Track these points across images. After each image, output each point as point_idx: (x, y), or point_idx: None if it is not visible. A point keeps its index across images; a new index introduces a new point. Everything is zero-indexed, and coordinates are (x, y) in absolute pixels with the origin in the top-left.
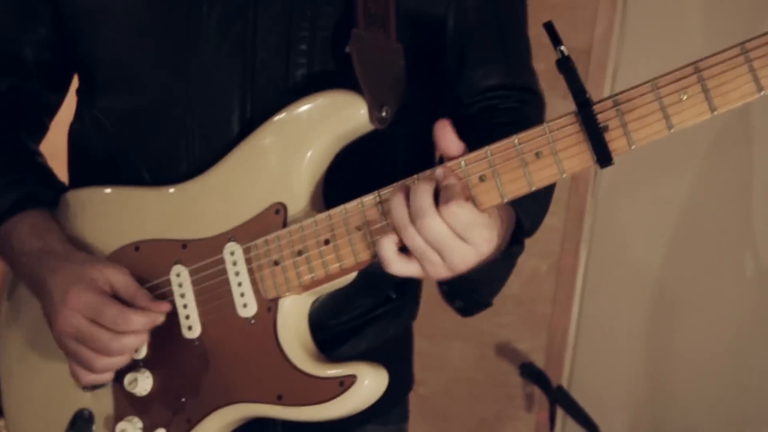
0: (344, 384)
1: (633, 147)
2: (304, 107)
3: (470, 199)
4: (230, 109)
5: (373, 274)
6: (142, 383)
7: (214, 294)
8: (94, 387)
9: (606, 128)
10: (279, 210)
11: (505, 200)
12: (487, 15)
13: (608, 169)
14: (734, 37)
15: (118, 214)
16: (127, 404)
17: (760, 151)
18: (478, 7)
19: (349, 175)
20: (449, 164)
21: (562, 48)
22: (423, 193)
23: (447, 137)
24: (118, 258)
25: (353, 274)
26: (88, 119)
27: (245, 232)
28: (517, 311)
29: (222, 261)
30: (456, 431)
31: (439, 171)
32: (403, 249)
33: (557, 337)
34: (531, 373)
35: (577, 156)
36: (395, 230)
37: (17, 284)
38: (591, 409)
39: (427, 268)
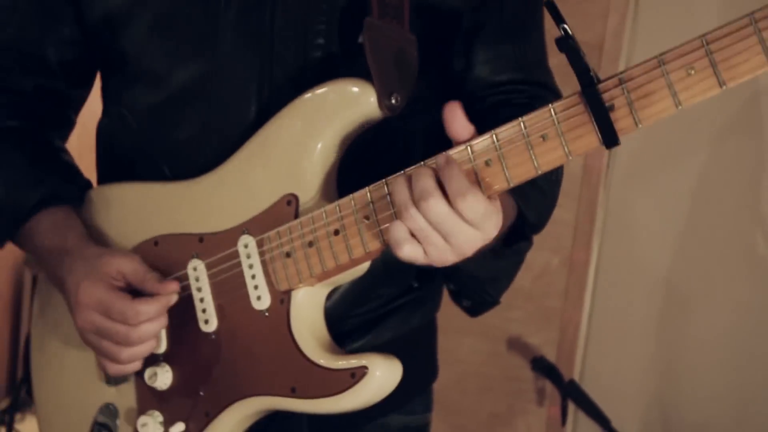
0: (356, 376)
1: (640, 126)
2: (313, 96)
3: (476, 184)
4: (248, 102)
5: (394, 264)
6: (162, 377)
7: (229, 287)
8: (118, 381)
9: (612, 107)
10: (291, 201)
11: (512, 185)
12: (498, 10)
13: (620, 163)
14: None
15: (138, 210)
16: (149, 398)
17: None
18: (483, 3)
19: (365, 170)
20: (455, 149)
21: (565, 26)
22: (425, 176)
23: (457, 120)
24: (138, 253)
25: (366, 265)
26: (114, 115)
27: (259, 224)
28: (529, 305)
29: (237, 254)
30: (467, 425)
31: (441, 158)
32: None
33: (569, 332)
34: (542, 368)
35: (583, 137)
36: (397, 213)
37: (45, 282)
38: (602, 403)
39: (430, 251)
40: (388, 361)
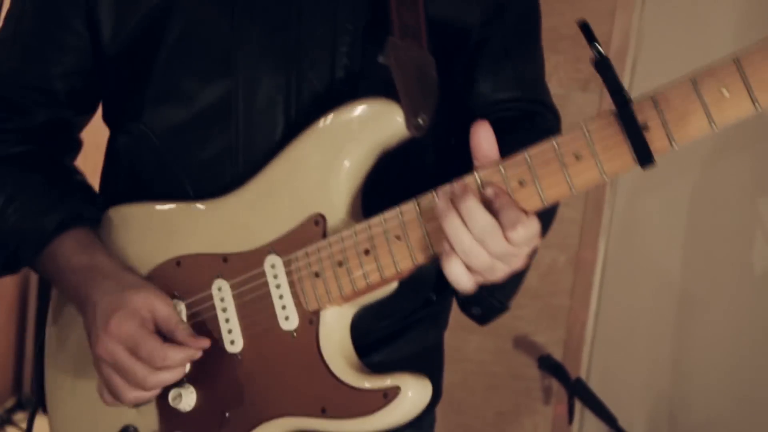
0: (388, 396)
1: (675, 146)
2: (340, 116)
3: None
4: (274, 121)
5: (412, 278)
6: (186, 399)
7: (256, 307)
8: (139, 403)
9: (646, 127)
10: (318, 221)
11: (546, 204)
12: (501, 28)
13: None
14: (758, 24)
15: (159, 230)
16: (172, 420)
17: None
18: (489, 21)
19: (382, 184)
20: (488, 169)
21: (599, 47)
22: (480, 213)
23: (487, 138)
24: (160, 273)
25: (394, 284)
26: (134, 133)
27: (285, 245)
28: (535, 304)
29: (263, 274)
30: (474, 424)
31: (489, 190)
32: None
33: (575, 330)
34: (549, 366)
35: (618, 157)
36: (461, 253)
37: (63, 302)
38: (609, 401)
39: (491, 278)
40: (420, 381)
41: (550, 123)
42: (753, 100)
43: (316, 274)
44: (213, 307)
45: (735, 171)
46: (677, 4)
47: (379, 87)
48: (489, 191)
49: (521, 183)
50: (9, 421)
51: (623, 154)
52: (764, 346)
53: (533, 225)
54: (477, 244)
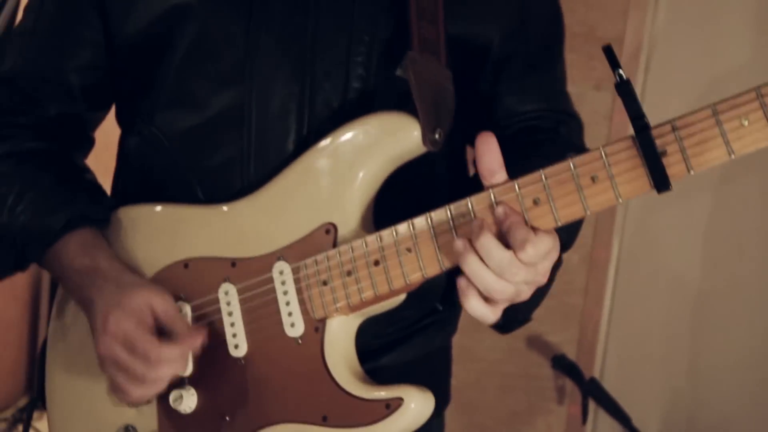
0: (390, 407)
1: (692, 173)
2: (357, 128)
3: (524, 222)
4: (287, 130)
5: (419, 288)
6: (187, 401)
7: (262, 313)
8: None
9: (664, 153)
10: (329, 230)
11: (560, 224)
12: (525, 42)
13: None
14: None
15: (168, 231)
16: (172, 422)
17: None
18: (513, 34)
19: (393, 196)
20: (503, 186)
21: (621, 72)
22: (496, 248)
23: (492, 151)
24: (167, 275)
25: (402, 296)
26: (146, 135)
27: (295, 252)
28: (549, 303)
29: (271, 280)
30: (487, 424)
31: (499, 210)
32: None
33: (589, 329)
34: (563, 366)
35: (634, 181)
36: (481, 289)
37: (66, 300)
38: (623, 401)
39: (518, 300)
40: (423, 393)
41: (574, 133)
42: None
43: (324, 282)
44: (219, 311)
45: (750, 170)
46: (691, 2)
47: (395, 100)
48: (500, 210)
49: (536, 202)
50: (22, 420)
51: (640, 178)
52: None
53: (543, 242)
54: (497, 278)
